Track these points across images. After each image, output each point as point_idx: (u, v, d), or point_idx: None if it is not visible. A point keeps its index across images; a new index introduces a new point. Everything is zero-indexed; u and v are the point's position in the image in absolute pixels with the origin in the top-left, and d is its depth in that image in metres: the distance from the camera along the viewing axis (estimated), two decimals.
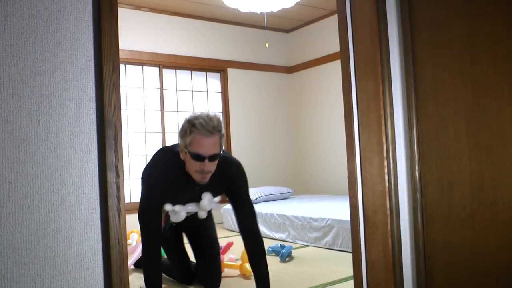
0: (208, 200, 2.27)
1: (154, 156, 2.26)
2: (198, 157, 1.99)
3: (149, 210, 2.13)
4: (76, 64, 1.28)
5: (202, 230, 2.60)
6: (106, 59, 1.29)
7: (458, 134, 1.59)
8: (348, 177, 1.81)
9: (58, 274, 1.23)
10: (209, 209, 2.38)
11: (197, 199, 2.27)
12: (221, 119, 2.14)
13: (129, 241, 3.86)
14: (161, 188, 2.13)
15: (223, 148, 2.12)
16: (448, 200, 1.63)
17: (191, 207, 2.32)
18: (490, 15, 1.51)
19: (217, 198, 2.37)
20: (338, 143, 5.46)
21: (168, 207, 2.24)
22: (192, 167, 2.04)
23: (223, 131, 2.05)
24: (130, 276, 2.84)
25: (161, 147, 2.36)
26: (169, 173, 2.13)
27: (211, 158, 2.01)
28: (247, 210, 2.22)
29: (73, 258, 1.25)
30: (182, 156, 2.09)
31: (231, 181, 2.23)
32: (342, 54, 1.79)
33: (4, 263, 1.16)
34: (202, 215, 2.40)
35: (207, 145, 1.98)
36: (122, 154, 1.31)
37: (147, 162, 2.26)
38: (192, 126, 1.99)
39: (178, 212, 2.31)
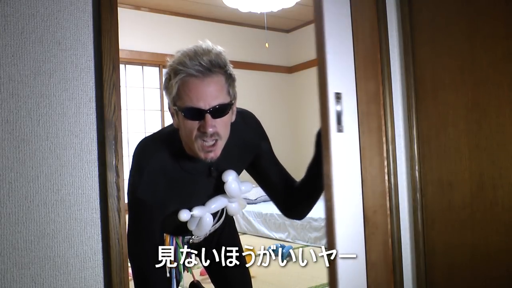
0: (235, 181, 1.44)
1: (133, 156, 1.41)
2: (194, 113, 1.24)
3: (143, 239, 1.37)
4: (76, 64, 1.28)
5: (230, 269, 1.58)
6: (106, 59, 1.29)
7: (458, 134, 1.59)
8: None
9: (58, 274, 1.23)
10: (239, 195, 1.51)
11: (220, 189, 1.46)
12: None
13: None
14: (158, 194, 1.35)
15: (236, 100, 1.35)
16: (448, 200, 1.63)
17: (216, 204, 1.48)
18: (490, 15, 1.51)
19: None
20: None
21: (184, 214, 1.39)
22: (189, 133, 1.26)
23: (231, 70, 1.30)
24: None
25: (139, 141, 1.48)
26: (164, 167, 1.36)
27: (216, 112, 1.24)
28: (287, 179, 1.57)
29: (73, 258, 1.25)
30: (174, 123, 1.33)
31: (254, 147, 1.51)
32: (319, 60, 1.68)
33: (4, 263, 1.16)
34: (234, 209, 1.54)
35: (205, 92, 1.22)
36: (122, 154, 1.31)
37: (130, 171, 1.41)
38: (178, 64, 1.25)
39: (199, 219, 1.45)
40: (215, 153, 1.29)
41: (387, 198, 1.69)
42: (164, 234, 1.55)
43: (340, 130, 1.65)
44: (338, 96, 1.64)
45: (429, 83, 1.68)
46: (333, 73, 1.65)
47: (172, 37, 5.46)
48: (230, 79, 1.30)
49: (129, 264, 1.34)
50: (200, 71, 1.22)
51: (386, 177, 1.69)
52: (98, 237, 1.29)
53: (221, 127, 1.27)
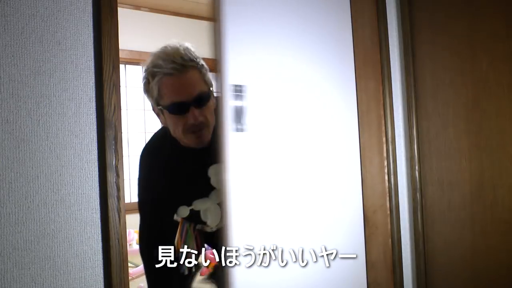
0: (219, 173, 1.50)
1: (139, 160, 1.55)
2: (178, 108, 1.32)
3: (152, 237, 1.44)
4: (76, 64, 1.28)
5: None
6: (106, 59, 1.29)
7: (458, 134, 1.59)
8: None
9: (58, 274, 1.23)
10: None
11: None
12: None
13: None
14: (164, 190, 1.43)
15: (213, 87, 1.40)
16: (448, 200, 1.63)
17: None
18: (490, 15, 1.51)
19: None
20: None
21: (182, 211, 1.48)
22: (178, 127, 1.34)
23: (202, 62, 1.39)
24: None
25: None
26: (165, 165, 1.45)
27: (198, 102, 1.32)
28: None
29: (73, 258, 1.25)
30: (162, 122, 1.43)
31: None
32: None
33: (4, 263, 1.16)
34: None
35: (184, 86, 1.32)
36: (122, 154, 1.31)
37: (138, 175, 1.52)
38: (153, 67, 1.36)
39: (206, 210, 1.52)
40: (206, 137, 1.37)
41: (387, 198, 1.69)
42: (180, 218, 1.55)
43: (239, 129, 1.39)
44: (238, 90, 1.38)
45: (429, 83, 1.68)
46: (236, 63, 1.38)
47: (172, 37, 5.47)
48: (203, 69, 1.39)
49: (129, 264, 1.34)
50: (176, 69, 1.32)
51: (386, 177, 1.69)
52: (98, 237, 1.29)
53: (207, 114, 1.36)
